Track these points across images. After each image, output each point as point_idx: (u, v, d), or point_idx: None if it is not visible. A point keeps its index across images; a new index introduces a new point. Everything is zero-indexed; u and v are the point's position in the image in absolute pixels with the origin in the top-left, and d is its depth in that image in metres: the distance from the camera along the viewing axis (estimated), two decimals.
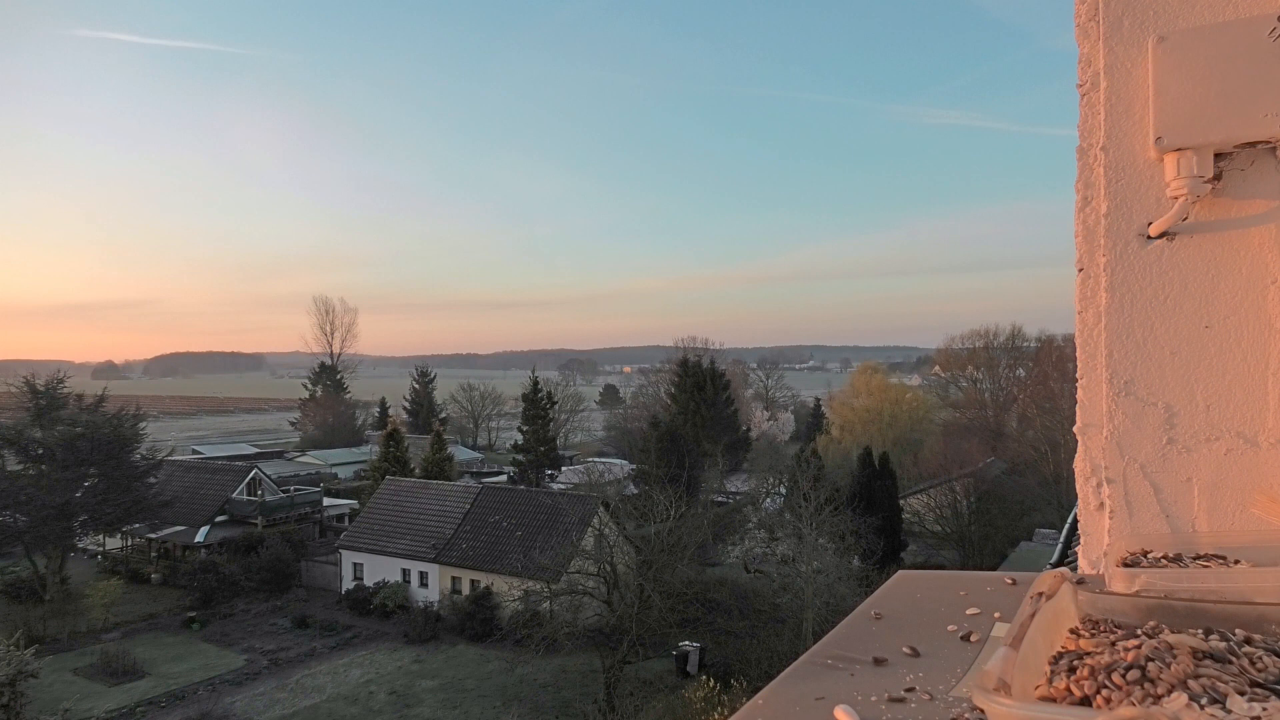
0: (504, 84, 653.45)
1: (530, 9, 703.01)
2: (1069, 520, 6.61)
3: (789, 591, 31.04)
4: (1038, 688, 0.75)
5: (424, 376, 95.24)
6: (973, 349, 70.47)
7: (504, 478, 61.85)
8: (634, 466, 54.71)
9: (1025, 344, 67.97)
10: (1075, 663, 0.77)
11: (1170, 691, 0.69)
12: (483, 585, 36.75)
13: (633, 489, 44.35)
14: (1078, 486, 1.56)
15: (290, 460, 73.75)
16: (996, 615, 1.49)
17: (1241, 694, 0.69)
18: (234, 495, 47.37)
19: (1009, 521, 44.67)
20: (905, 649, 1.37)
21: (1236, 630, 0.83)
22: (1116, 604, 0.95)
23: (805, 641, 26.54)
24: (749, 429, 74.24)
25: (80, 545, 44.04)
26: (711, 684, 24.68)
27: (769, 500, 45.57)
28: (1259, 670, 0.74)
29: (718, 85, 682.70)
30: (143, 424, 44.84)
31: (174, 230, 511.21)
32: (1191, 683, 0.70)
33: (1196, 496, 1.40)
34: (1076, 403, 1.55)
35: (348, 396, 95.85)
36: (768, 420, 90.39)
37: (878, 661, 1.33)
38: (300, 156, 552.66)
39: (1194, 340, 1.39)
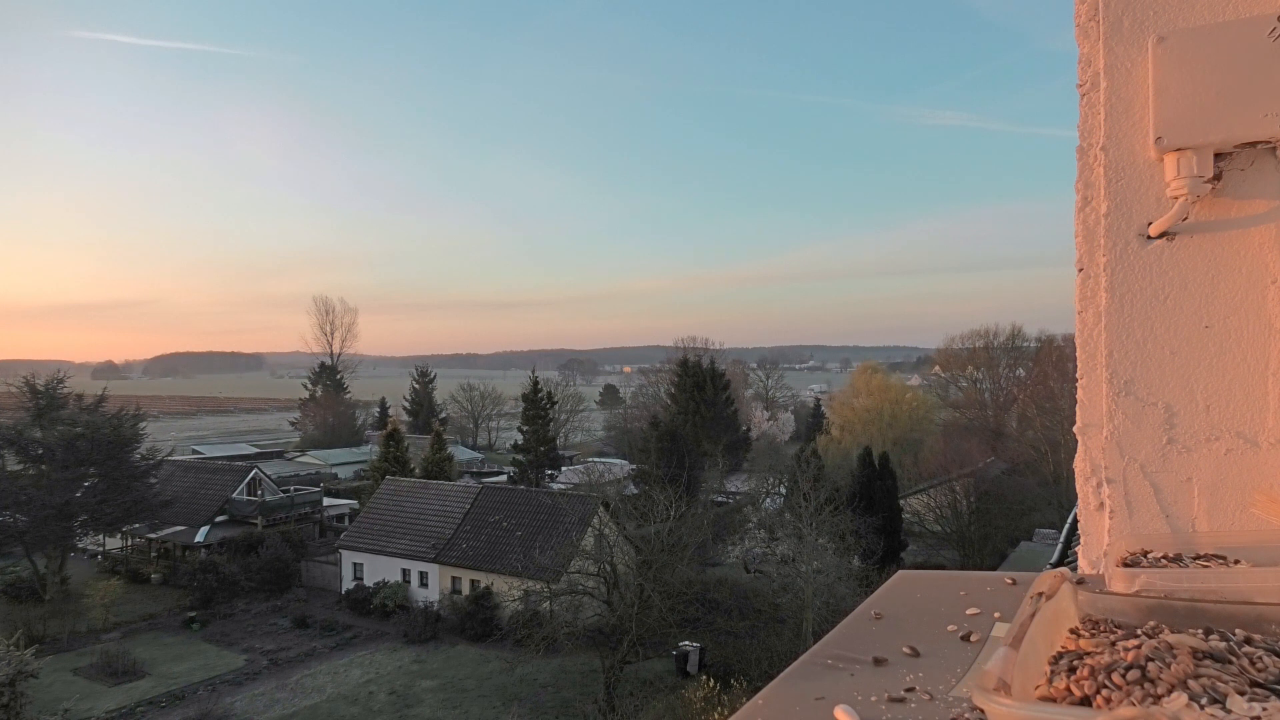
0: (504, 84, 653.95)
1: (530, 9, 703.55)
2: (1069, 520, 6.61)
3: (789, 591, 31.03)
4: (1038, 688, 0.75)
5: (424, 376, 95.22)
6: (973, 349, 70.46)
7: (504, 478, 61.83)
8: (634, 466, 54.68)
9: (1025, 344, 68.03)
10: (1075, 663, 0.77)
11: (1170, 691, 0.69)
12: (483, 585, 36.74)
13: (633, 489, 44.32)
14: (1078, 486, 1.56)
15: (290, 460, 73.73)
16: (996, 615, 1.49)
17: (1241, 694, 0.69)
18: (234, 495, 47.34)
19: (1009, 521, 44.65)
20: (905, 649, 1.37)
21: (1236, 630, 0.83)
22: (1116, 604, 0.95)
23: (805, 641, 26.53)
24: (749, 429, 74.22)
25: (80, 545, 44.04)
26: (711, 684, 24.68)
27: (769, 500, 45.58)
28: (1259, 670, 0.74)
29: (717, 85, 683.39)
30: (143, 424, 44.83)
31: (174, 230, 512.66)
32: (1191, 683, 0.70)
33: (1196, 496, 1.40)
34: (1076, 403, 1.55)
35: (348, 396, 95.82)
36: (768, 420, 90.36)
37: (878, 661, 1.33)
38: (300, 156, 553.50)
39: (1194, 340, 1.39)
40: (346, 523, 48.87)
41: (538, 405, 63.55)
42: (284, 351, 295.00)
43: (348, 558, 41.27)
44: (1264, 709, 0.66)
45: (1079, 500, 1.57)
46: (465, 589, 37.50)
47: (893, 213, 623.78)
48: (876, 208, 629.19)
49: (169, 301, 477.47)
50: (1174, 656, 0.74)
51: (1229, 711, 0.66)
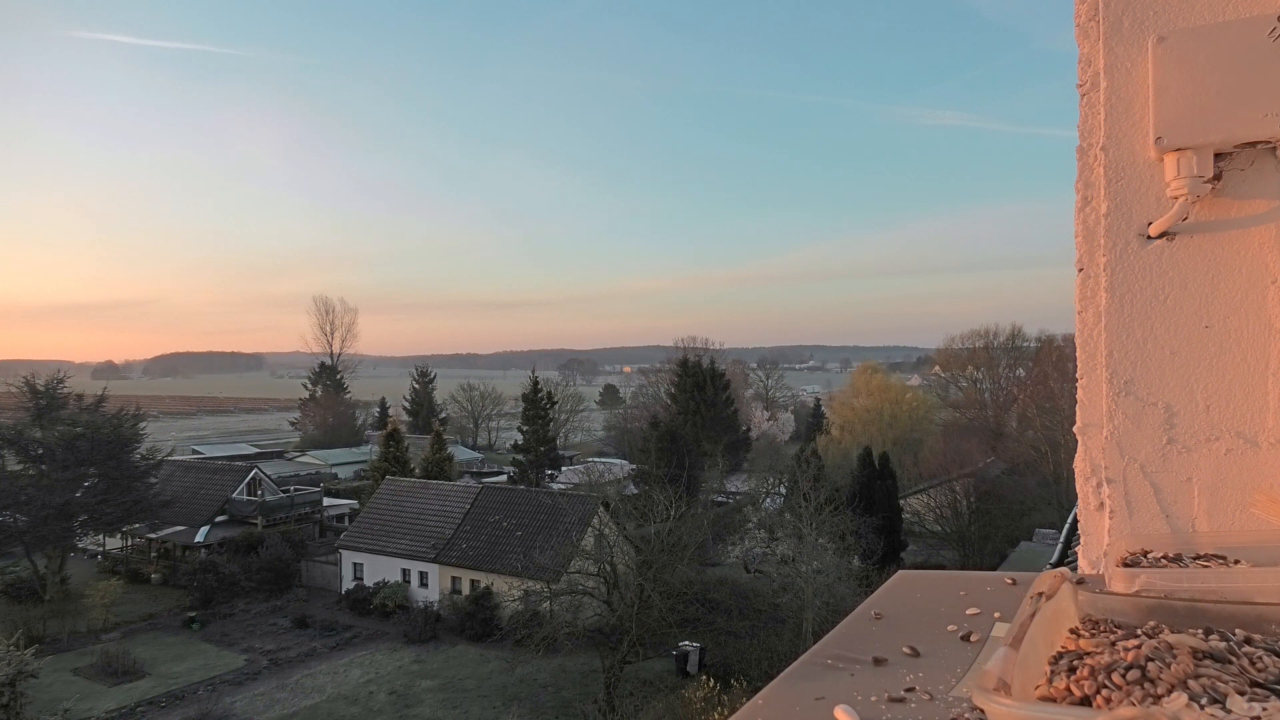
0: (504, 84, 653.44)
1: (530, 9, 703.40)
2: (1069, 520, 6.61)
3: (789, 591, 31.03)
4: (1038, 688, 0.75)
5: (424, 376, 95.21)
6: (973, 349, 70.47)
7: (504, 478, 61.83)
8: (634, 466, 54.70)
9: (1025, 344, 68.03)
10: (1075, 663, 0.77)
11: (1170, 691, 0.69)
12: (483, 585, 36.75)
13: (633, 489, 44.33)
14: (1078, 486, 1.56)
15: (290, 460, 73.74)
16: (996, 615, 1.49)
17: (1241, 694, 0.69)
18: (234, 495, 47.36)
19: (1009, 521, 44.67)
20: (905, 649, 1.37)
21: (1236, 630, 0.83)
22: (1116, 604, 0.95)
23: (805, 641, 26.53)
24: (749, 429, 74.23)
25: (80, 545, 44.04)
26: (711, 684, 24.68)
27: (769, 500, 45.58)
28: (1259, 670, 0.74)
29: (717, 86, 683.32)
30: (143, 424, 44.84)
31: (174, 230, 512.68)
32: (1191, 683, 0.70)
33: (1196, 496, 1.40)
34: (1076, 403, 1.55)
35: (348, 396, 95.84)
36: (768, 420, 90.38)
37: (878, 661, 1.33)
38: (300, 156, 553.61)
39: (1194, 340, 1.39)
40: (346, 523, 48.87)
41: (538, 405, 63.54)
42: (284, 351, 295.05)
43: (348, 558, 41.27)
44: (1264, 709, 0.66)
45: (1079, 500, 1.57)
46: (465, 589, 37.49)
47: (893, 213, 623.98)
48: (876, 208, 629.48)
49: (169, 301, 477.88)
50: (1174, 656, 0.74)
51: (1229, 711, 0.66)
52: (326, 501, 53.37)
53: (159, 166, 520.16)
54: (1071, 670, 0.75)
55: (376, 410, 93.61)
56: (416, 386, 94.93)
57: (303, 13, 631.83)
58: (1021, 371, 66.94)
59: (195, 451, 72.55)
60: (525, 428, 63.79)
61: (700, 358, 69.01)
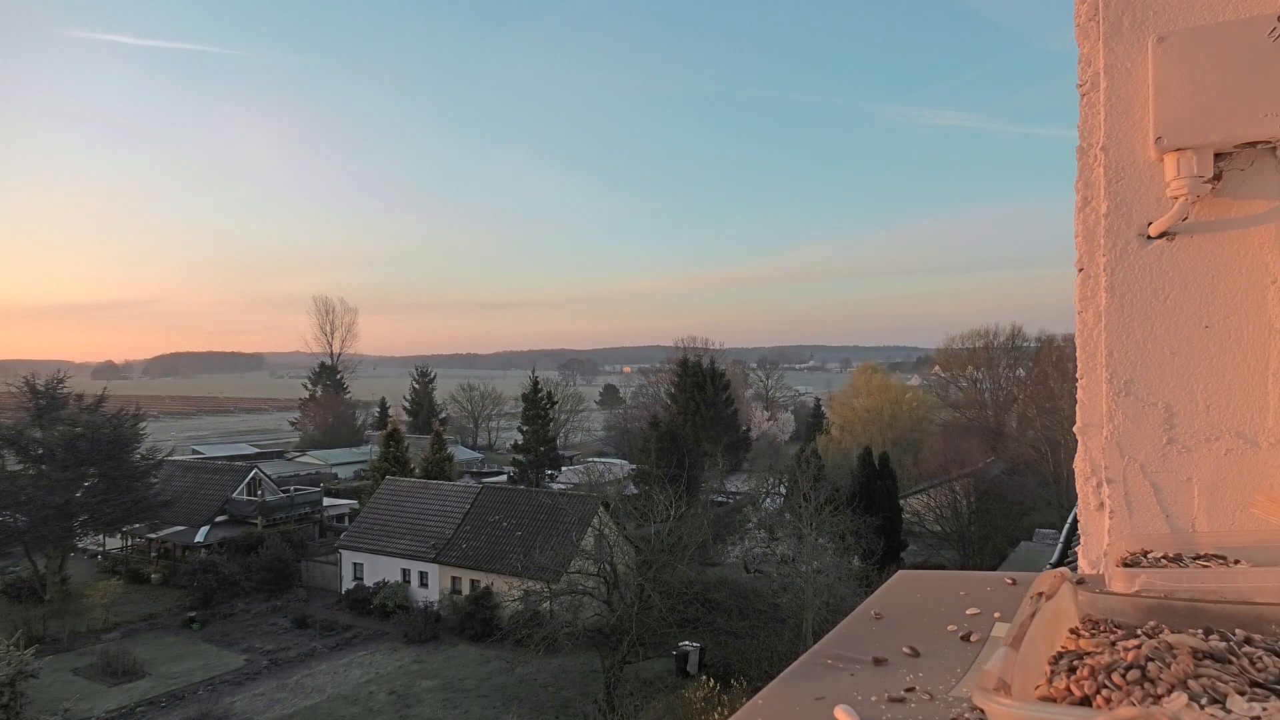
0: (504, 84, 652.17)
1: (530, 9, 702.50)
2: (1069, 520, 6.62)
3: (789, 591, 31.03)
4: (1038, 688, 0.75)
5: (424, 376, 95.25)
6: (973, 349, 70.48)
7: (504, 478, 61.84)
8: (634, 466, 54.68)
9: (1025, 344, 68.05)
10: (1075, 663, 0.77)
11: (1170, 691, 0.69)
12: (483, 585, 36.76)
13: (633, 489, 44.32)
14: (1078, 486, 1.56)
15: (290, 460, 73.76)
16: (996, 615, 1.49)
17: (1241, 694, 0.69)
18: (234, 495, 47.36)
19: (1009, 521, 44.68)
20: (905, 649, 1.37)
21: (1236, 630, 0.83)
22: (1116, 604, 0.95)
23: (805, 641, 26.53)
24: (749, 429, 74.23)
25: (80, 545, 44.06)
26: (711, 684, 24.69)
27: (769, 500, 45.57)
28: (1259, 670, 0.74)
29: (717, 86, 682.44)
30: (143, 424, 44.86)
31: (174, 230, 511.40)
32: (1191, 683, 0.70)
33: (1196, 496, 1.40)
34: (1076, 403, 1.55)
35: (348, 396, 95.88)
36: (768, 420, 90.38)
37: (878, 661, 1.33)
38: (300, 156, 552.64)
39: (1194, 340, 1.39)
40: (346, 523, 48.88)
41: (538, 405, 63.55)
42: (284, 351, 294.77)
43: (348, 558, 41.27)
44: (1264, 709, 0.66)
45: (1079, 500, 1.57)
46: (465, 589, 37.50)
47: (893, 213, 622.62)
48: (876, 208, 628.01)
49: (169, 301, 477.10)
50: (1174, 656, 0.74)
51: (1229, 711, 0.66)
52: (326, 501, 53.37)
53: (159, 166, 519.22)
54: (1071, 670, 0.75)
55: (376, 410, 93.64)
56: (416, 386, 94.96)
57: (303, 13, 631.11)
58: (1021, 371, 66.95)
59: (195, 451, 72.55)
60: (525, 428, 63.79)
61: (700, 358, 69.01)
